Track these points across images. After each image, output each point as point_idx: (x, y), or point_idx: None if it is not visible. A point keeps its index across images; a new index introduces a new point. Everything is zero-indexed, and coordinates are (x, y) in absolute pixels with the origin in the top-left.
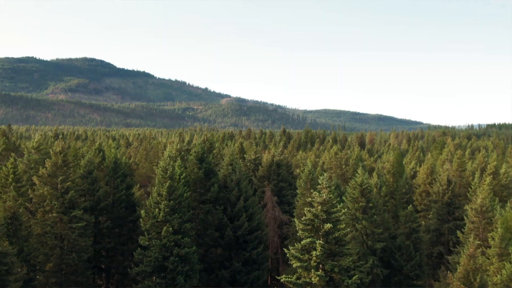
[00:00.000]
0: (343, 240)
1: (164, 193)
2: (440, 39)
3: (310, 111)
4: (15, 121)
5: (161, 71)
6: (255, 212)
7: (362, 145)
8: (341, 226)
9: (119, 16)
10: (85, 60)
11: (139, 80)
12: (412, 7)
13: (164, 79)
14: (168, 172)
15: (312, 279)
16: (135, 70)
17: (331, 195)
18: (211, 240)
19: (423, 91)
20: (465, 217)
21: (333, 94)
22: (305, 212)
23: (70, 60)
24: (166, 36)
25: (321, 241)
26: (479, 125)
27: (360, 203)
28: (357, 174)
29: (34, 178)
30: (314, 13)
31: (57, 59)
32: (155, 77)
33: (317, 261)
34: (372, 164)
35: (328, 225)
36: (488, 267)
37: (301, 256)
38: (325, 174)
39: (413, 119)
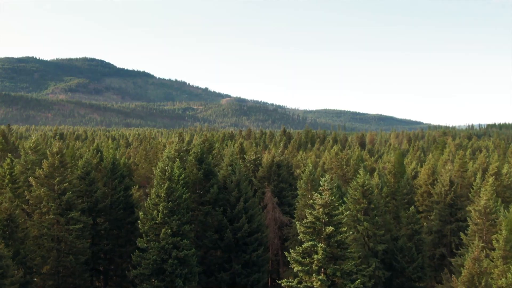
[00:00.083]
0: (345, 243)
1: (162, 194)
2: (440, 39)
3: (310, 111)
4: (15, 121)
5: (161, 71)
6: (255, 214)
7: (362, 145)
8: (343, 229)
9: (119, 16)
10: (85, 60)
11: (139, 80)
12: (412, 7)
13: (164, 79)
14: (167, 173)
15: (314, 284)
16: (135, 70)
17: (333, 197)
18: (210, 242)
19: (423, 91)
20: (468, 219)
21: (333, 94)
22: (306, 214)
23: (70, 60)
24: (166, 36)
25: (322, 245)
26: (479, 125)
27: (362, 204)
28: (358, 175)
29: (31, 179)
30: (314, 13)
31: (57, 59)
32: (155, 77)
33: (319, 265)
34: (372, 165)
35: (330, 228)
36: (492, 270)
37: (302, 260)
38: (326, 176)
39: (413, 119)
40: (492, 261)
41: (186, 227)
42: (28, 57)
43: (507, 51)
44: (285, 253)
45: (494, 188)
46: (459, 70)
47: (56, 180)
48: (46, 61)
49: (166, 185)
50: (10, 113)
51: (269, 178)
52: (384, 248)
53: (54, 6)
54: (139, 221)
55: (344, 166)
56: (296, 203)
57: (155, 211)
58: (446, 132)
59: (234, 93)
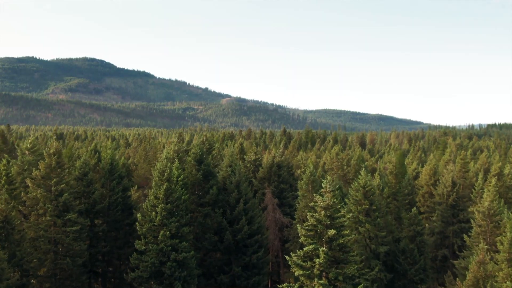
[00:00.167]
0: (348, 246)
1: (161, 196)
2: (440, 39)
3: (311, 111)
4: (15, 121)
5: (161, 71)
6: (255, 215)
7: (362, 145)
8: (345, 232)
9: (119, 16)
10: (85, 60)
11: (139, 80)
12: (412, 7)
13: (164, 79)
14: (165, 174)
15: None
16: (135, 70)
17: (335, 199)
18: (210, 244)
19: (423, 91)
20: (471, 221)
21: (333, 94)
22: (307, 217)
23: (70, 60)
24: (166, 36)
25: (324, 248)
26: (479, 125)
27: (363, 206)
28: (360, 176)
29: (27, 180)
30: (314, 13)
31: (57, 59)
32: (155, 77)
33: (321, 269)
34: (373, 165)
35: (332, 231)
36: (497, 273)
37: (304, 264)
38: (328, 178)
39: (413, 119)
40: (497, 264)
41: (185, 229)
42: (28, 57)
43: (507, 51)
44: (286, 257)
45: (497, 189)
46: (459, 70)
47: (53, 181)
48: (46, 61)
49: (164, 186)
50: (10, 113)
51: (269, 179)
52: (386, 250)
53: (54, 6)
54: (137, 223)
55: (345, 167)
56: (297, 204)
57: (153, 213)
58: (447, 132)
59: (234, 93)
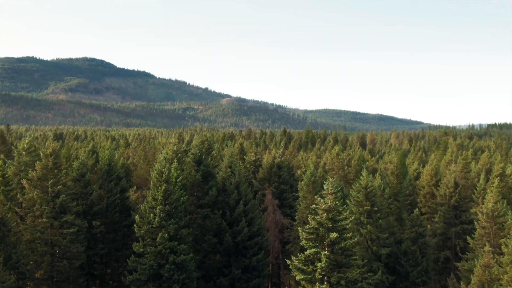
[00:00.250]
0: (350, 250)
1: (159, 197)
2: (440, 39)
3: (311, 111)
4: (15, 121)
5: (162, 71)
6: (255, 217)
7: (363, 145)
8: (347, 235)
9: (119, 16)
10: (85, 60)
11: (140, 80)
12: (412, 7)
13: (164, 79)
14: (164, 175)
15: None
16: (136, 70)
17: (337, 202)
18: (209, 246)
19: (423, 91)
20: (475, 222)
21: (333, 94)
22: (309, 219)
23: (70, 60)
24: (166, 36)
25: (326, 252)
26: (480, 125)
27: (365, 207)
28: (361, 177)
29: (24, 182)
30: (314, 13)
31: (57, 59)
32: (156, 77)
33: (322, 273)
34: (374, 165)
35: (334, 234)
36: (501, 276)
37: (305, 268)
38: (330, 179)
39: (413, 119)
40: (501, 267)
41: (184, 231)
42: (28, 57)
43: (507, 51)
44: (287, 260)
45: (499, 189)
46: (459, 70)
47: (49, 182)
48: (46, 61)
49: (163, 187)
50: (10, 113)
51: (269, 180)
52: (387, 252)
53: (54, 6)
54: (135, 225)
55: (346, 167)
56: (297, 206)
57: (151, 215)
58: (447, 132)
59: (234, 93)
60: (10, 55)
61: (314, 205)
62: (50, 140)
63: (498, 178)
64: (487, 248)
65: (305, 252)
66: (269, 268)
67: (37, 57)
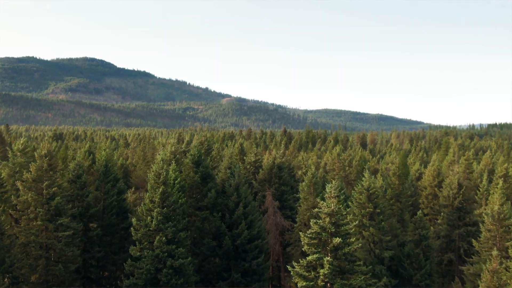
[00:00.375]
0: (354, 255)
1: (157, 199)
2: (440, 39)
3: (311, 111)
4: (15, 121)
5: (162, 71)
6: (255, 219)
7: (363, 145)
8: (351, 240)
9: (119, 16)
10: (85, 60)
11: (140, 80)
12: (412, 7)
13: (164, 79)
14: (161, 177)
15: None
16: (136, 70)
17: (340, 205)
18: (208, 250)
19: (423, 91)
20: (480, 225)
21: (333, 94)
22: (311, 224)
23: (70, 60)
24: (166, 36)
25: (329, 258)
26: (480, 124)
27: (367, 209)
28: (363, 178)
29: (18, 183)
30: (314, 13)
31: (57, 59)
32: (156, 77)
33: (325, 280)
34: (375, 166)
35: (337, 240)
36: (509, 281)
37: (307, 274)
38: (333, 182)
39: (413, 118)
40: (508, 271)
41: (182, 234)
42: (28, 57)
43: (507, 51)
44: (288, 267)
45: (504, 191)
46: (459, 70)
47: (44, 184)
48: (46, 61)
49: (160, 189)
50: (10, 113)
51: (269, 181)
52: (390, 255)
53: (54, 6)
54: (132, 228)
55: (347, 168)
56: (298, 207)
57: (148, 218)
58: (448, 132)
59: (235, 93)
60: (10, 55)
61: (316, 209)
62: (45, 140)
63: (502, 179)
64: (494, 252)
65: (307, 258)
66: (270, 271)
67: (37, 57)
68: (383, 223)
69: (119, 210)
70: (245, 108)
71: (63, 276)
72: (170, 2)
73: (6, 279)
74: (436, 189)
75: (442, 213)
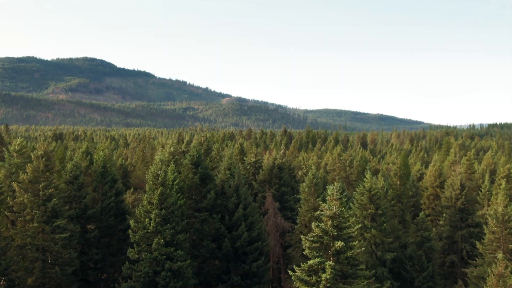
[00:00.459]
0: (357, 259)
1: (155, 201)
2: (440, 39)
3: (311, 111)
4: (15, 121)
5: (162, 71)
6: (255, 221)
7: (364, 145)
8: (354, 243)
9: (119, 16)
10: (85, 60)
11: (140, 79)
12: (412, 7)
13: (164, 79)
14: (160, 178)
15: None
16: (136, 69)
17: (343, 208)
18: (207, 252)
19: (423, 91)
20: (484, 226)
21: (333, 94)
22: (312, 227)
23: (70, 60)
24: (166, 36)
25: (331, 262)
26: (480, 124)
27: (369, 210)
28: (365, 179)
29: (14, 185)
30: (314, 13)
31: (57, 59)
32: (156, 77)
33: (327, 284)
34: (376, 166)
35: (339, 243)
36: None
37: (308, 279)
38: (336, 184)
39: (414, 118)
40: None
41: (181, 237)
42: (28, 57)
43: (507, 51)
44: (289, 271)
45: (507, 191)
46: (459, 70)
47: (41, 185)
48: (47, 61)
49: (159, 191)
50: (10, 113)
51: (270, 182)
52: (392, 257)
53: (54, 6)
54: (129, 230)
55: (348, 168)
56: (299, 208)
57: (146, 219)
58: (448, 132)
59: (235, 93)
60: (10, 55)
61: (318, 212)
62: (42, 141)
63: (505, 179)
64: (500, 256)
65: (309, 262)
66: (270, 273)
67: (37, 57)
68: (385, 224)
69: (117, 212)
70: (245, 108)
71: (60, 279)
72: (170, 2)
73: (2, 282)
74: (437, 189)
75: (444, 214)
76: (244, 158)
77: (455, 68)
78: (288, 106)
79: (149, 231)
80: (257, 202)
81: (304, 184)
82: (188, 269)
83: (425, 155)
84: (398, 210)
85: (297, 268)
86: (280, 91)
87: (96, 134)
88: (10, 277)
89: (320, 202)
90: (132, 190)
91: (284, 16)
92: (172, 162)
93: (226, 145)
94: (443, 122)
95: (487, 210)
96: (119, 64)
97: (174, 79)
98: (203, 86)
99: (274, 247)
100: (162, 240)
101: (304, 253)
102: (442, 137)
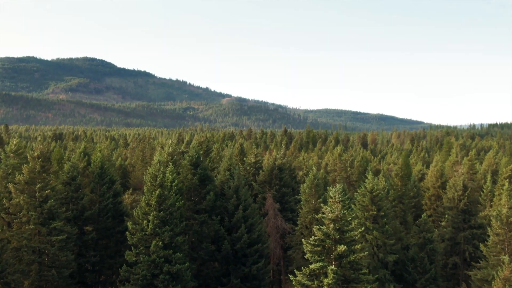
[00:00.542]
0: (359, 263)
1: (153, 202)
2: (440, 39)
3: (311, 111)
4: (15, 121)
5: (162, 70)
6: (255, 223)
7: (364, 145)
8: (357, 247)
9: (119, 16)
10: (85, 59)
11: (140, 79)
12: (412, 7)
13: (164, 79)
14: (158, 179)
15: None
16: (136, 69)
17: (345, 211)
18: (206, 254)
19: (423, 91)
20: (488, 228)
21: (334, 94)
22: (314, 230)
23: (70, 59)
24: (166, 36)
25: (333, 267)
26: (480, 124)
27: (371, 212)
28: (366, 180)
29: (10, 186)
30: (314, 13)
31: (57, 59)
32: (156, 77)
33: None
34: (377, 166)
35: (341, 247)
36: None
37: (310, 284)
38: (337, 185)
39: (414, 118)
40: None
41: (179, 239)
42: (28, 57)
43: (507, 51)
44: (290, 276)
45: (510, 192)
46: (459, 70)
47: (37, 186)
48: (47, 61)
49: (157, 192)
50: (10, 113)
51: (270, 182)
52: (394, 259)
53: (54, 6)
54: (127, 232)
55: (348, 168)
56: (299, 210)
57: (144, 221)
58: (449, 132)
59: (235, 93)
60: (10, 55)
61: (320, 214)
62: (39, 141)
63: (508, 180)
64: (506, 259)
65: (310, 266)
66: (270, 274)
67: (37, 57)
68: (386, 226)
69: (115, 213)
70: (245, 108)
71: (57, 281)
72: (170, 2)
73: None
74: (439, 190)
75: (446, 215)
76: (244, 158)
77: (455, 68)
78: (288, 106)
79: (147, 233)
80: (257, 203)
81: (305, 185)
82: (187, 271)
83: (426, 155)
84: (399, 211)
85: (298, 272)
86: (280, 91)
87: (96, 134)
88: (5, 280)
89: (321, 204)
90: (131, 191)
91: (284, 16)
92: (170, 163)
93: (226, 145)
94: (443, 122)
95: (490, 211)
96: (119, 64)
97: (174, 79)
98: (203, 86)
99: (274, 249)
100: (161, 242)
101: (305, 256)
102: (442, 137)
